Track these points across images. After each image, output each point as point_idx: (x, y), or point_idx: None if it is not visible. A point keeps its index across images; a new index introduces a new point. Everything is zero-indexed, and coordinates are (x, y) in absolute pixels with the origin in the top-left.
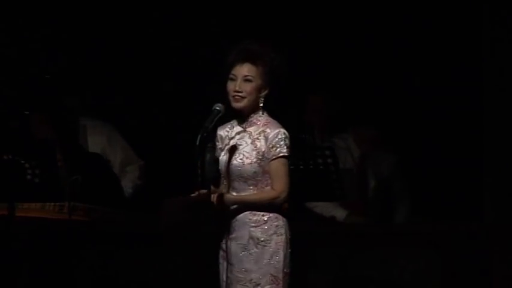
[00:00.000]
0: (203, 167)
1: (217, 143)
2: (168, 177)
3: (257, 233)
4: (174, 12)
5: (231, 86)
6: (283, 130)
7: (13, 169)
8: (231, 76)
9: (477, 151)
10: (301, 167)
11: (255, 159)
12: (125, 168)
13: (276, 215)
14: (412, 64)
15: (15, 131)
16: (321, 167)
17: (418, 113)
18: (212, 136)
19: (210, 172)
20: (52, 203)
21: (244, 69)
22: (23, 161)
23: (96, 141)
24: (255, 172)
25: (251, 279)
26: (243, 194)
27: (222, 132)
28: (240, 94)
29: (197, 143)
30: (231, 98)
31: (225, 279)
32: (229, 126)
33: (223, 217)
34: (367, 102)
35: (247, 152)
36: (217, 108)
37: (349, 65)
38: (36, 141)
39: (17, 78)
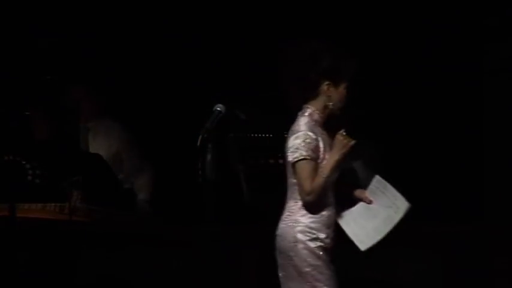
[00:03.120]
0: (204, 167)
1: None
2: (168, 177)
3: None
4: (174, 12)
5: (345, 95)
6: None
7: (14, 170)
8: (348, 85)
9: (477, 151)
10: None
11: None
12: (131, 177)
13: None
14: (413, 64)
15: (15, 131)
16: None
17: (418, 113)
18: (213, 137)
19: (211, 173)
20: (53, 204)
21: None
22: (23, 162)
23: (112, 144)
24: None
25: None
26: None
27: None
28: None
29: (198, 143)
30: (341, 106)
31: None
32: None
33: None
34: (366, 102)
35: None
36: (218, 109)
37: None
38: (37, 141)
39: (17, 78)
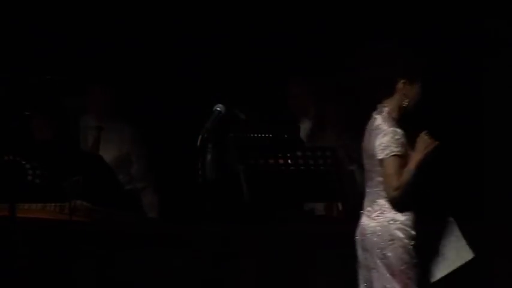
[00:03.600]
0: (204, 167)
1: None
2: (168, 178)
3: None
4: (175, 11)
5: (419, 92)
6: None
7: (14, 170)
8: (422, 83)
9: (477, 151)
10: (302, 167)
11: None
12: (136, 181)
13: None
14: None
15: (15, 131)
16: (322, 167)
17: (417, 112)
18: (213, 137)
19: (211, 173)
20: (53, 204)
21: None
22: (23, 162)
23: (123, 145)
24: None
25: None
26: None
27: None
28: None
29: (198, 143)
30: (416, 104)
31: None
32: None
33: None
34: None
35: None
36: (218, 109)
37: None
38: (37, 141)
39: (17, 78)
